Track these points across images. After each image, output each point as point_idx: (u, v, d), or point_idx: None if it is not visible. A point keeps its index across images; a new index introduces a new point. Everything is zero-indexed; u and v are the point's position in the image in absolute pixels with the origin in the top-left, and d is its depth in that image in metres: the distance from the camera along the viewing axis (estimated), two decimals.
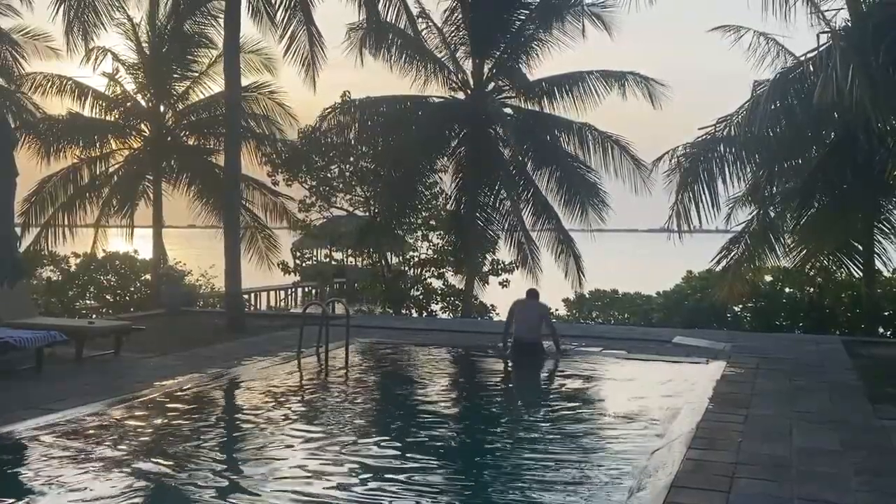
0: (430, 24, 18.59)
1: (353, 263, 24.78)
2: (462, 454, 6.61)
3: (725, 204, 14.53)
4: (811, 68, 12.16)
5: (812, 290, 15.99)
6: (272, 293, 33.27)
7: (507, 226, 18.42)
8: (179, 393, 8.09)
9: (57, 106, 19.23)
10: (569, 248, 18.17)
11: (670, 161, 14.36)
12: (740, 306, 16.45)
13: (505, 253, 19.38)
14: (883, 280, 15.44)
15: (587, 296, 18.30)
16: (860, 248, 14.36)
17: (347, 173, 20.83)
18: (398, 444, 6.63)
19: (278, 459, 6.10)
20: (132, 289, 18.70)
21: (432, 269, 20.98)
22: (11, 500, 5.01)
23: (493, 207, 18.45)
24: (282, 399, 8.13)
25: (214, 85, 19.47)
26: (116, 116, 19.64)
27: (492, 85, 18.81)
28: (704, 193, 13.61)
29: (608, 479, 5.62)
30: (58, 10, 14.72)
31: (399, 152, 18.50)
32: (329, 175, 20.89)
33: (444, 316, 20.28)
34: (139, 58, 19.24)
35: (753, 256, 14.49)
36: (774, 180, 14.25)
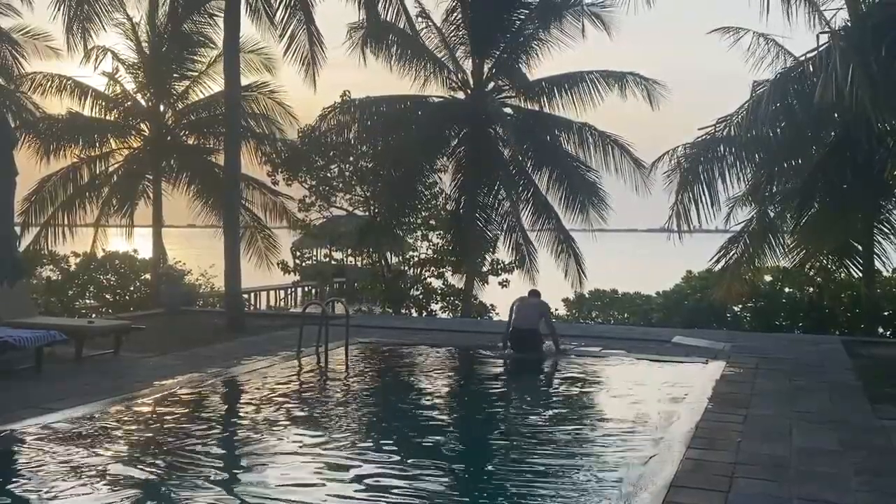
0: (429, 23, 18.59)
1: (353, 263, 24.76)
2: (462, 455, 6.60)
3: (725, 204, 14.55)
4: (811, 68, 12.17)
5: (812, 290, 16.01)
6: (272, 293, 33.27)
7: (506, 226, 18.42)
8: (179, 393, 8.10)
9: (57, 105, 19.26)
10: (569, 248, 18.17)
11: (670, 161, 14.37)
12: (740, 306, 16.45)
13: (505, 253, 19.40)
14: (882, 280, 15.44)
15: (587, 296, 18.30)
16: (860, 248, 14.36)
17: (347, 173, 20.83)
18: (397, 445, 6.62)
19: (278, 460, 6.10)
20: (132, 288, 18.69)
21: (432, 268, 20.98)
22: (11, 500, 5.01)
23: (493, 207, 18.44)
24: (281, 399, 8.11)
25: (214, 84, 19.49)
26: (116, 116, 19.63)
27: (492, 85, 18.80)
28: (704, 193, 13.61)
29: (607, 478, 5.62)
30: (58, 9, 14.77)
31: (399, 152, 18.50)
32: (329, 175, 20.89)
33: (444, 316, 20.28)
34: (139, 57, 19.23)
35: (753, 256, 14.49)
36: (774, 180, 14.26)
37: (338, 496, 5.26)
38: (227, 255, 13.12)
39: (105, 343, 10.10)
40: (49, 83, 18.99)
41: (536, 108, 18.48)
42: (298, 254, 23.97)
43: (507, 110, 18.64)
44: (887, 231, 14.38)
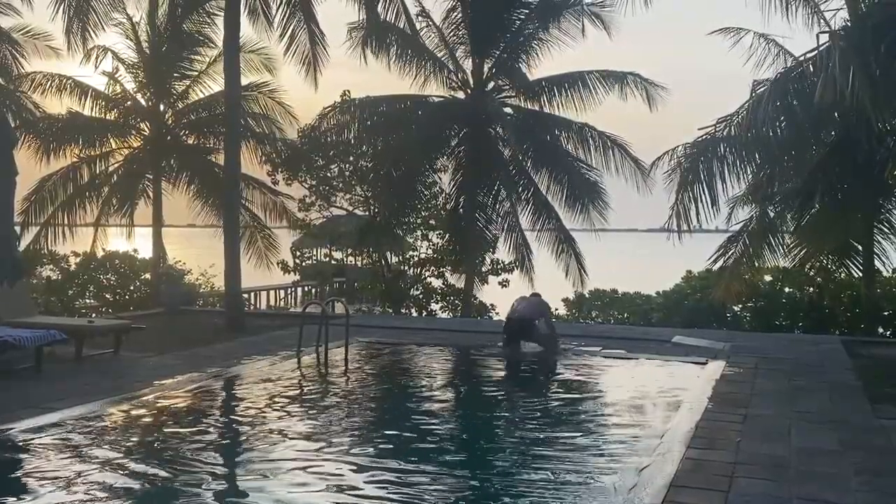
0: (429, 23, 18.59)
1: (353, 263, 24.75)
2: (461, 455, 6.61)
3: (725, 204, 14.55)
4: (811, 68, 12.17)
5: (812, 290, 16.00)
6: (272, 292, 33.26)
7: (506, 226, 18.42)
8: (179, 392, 8.09)
9: (57, 105, 19.26)
10: (570, 248, 18.18)
11: (670, 161, 14.37)
12: (739, 306, 16.45)
13: (504, 253, 19.41)
14: (883, 280, 15.44)
15: (587, 295, 18.31)
16: (860, 248, 14.36)
17: (347, 173, 20.82)
18: (397, 446, 6.62)
19: (277, 460, 6.09)
20: (132, 288, 18.68)
21: (432, 268, 20.98)
22: (11, 500, 5.01)
23: (493, 207, 18.44)
24: (281, 399, 8.11)
25: (214, 84, 19.50)
26: (116, 115, 19.63)
27: (491, 84, 18.80)
28: (704, 193, 13.59)
29: (607, 478, 5.61)
30: (58, 9, 14.76)
31: (399, 152, 18.50)
32: (329, 174, 20.88)
33: (444, 315, 20.28)
34: (139, 57, 19.25)
35: (752, 256, 14.49)
36: (774, 180, 14.25)
37: (338, 496, 5.26)
38: (226, 255, 13.12)
39: (105, 343, 10.10)
40: (49, 83, 19.00)
41: (536, 108, 18.48)
42: (298, 253, 23.95)
43: (507, 110, 18.63)
44: (887, 231, 14.38)
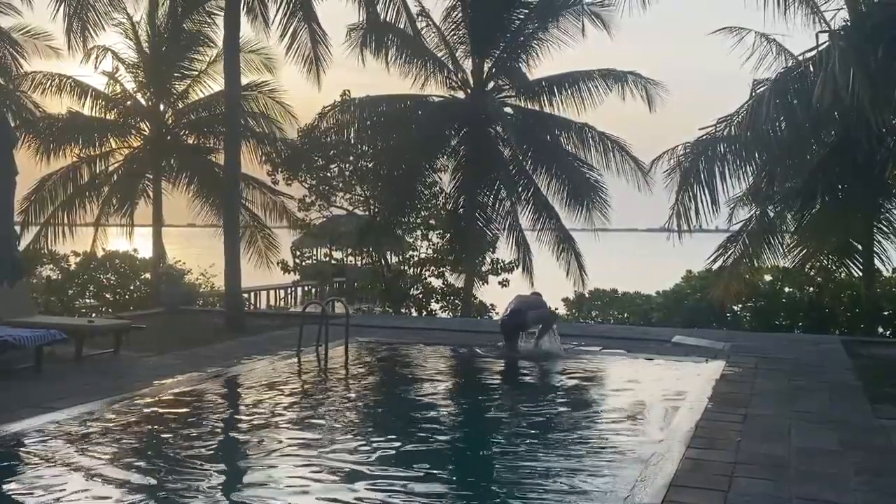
0: (429, 22, 18.57)
1: (353, 263, 24.73)
2: (461, 456, 6.61)
3: (725, 204, 14.55)
4: (811, 68, 12.17)
5: (812, 289, 16.00)
6: (272, 292, 33.25)
7: (506, 225, 18.42)
8: (179, 392, 8.09)
9: (57, 105, 19.28)
10: (570, 248, 18.18)
11: (670, 161, 14.37)
12: (739, 306, 16.45)
13: (505, 252, 19.42)
14: (883, 280, 15.44)
15: (587, 295, 18.31)
16: (860, 247, 14.37)
17: (347, 172, 20.81)
18: (397, 446, 6.61)
19: (277, 460, 6.10)
20: (132, 288, 18.69)
21: (432, 268, 20.97)
22: (10, 500, 5.01)
23: (493, 207, 18.44)
24: (281, 399, 8.12)
25: (214, 84, 19.51)
26: (116, 115, 19.64)
27: (492, 84, 18.79)
28: (704, 193, 13.60)
29: (607, 478, 5.62)
30: (58, 9, 14.76)
31: (399, 152, 18.50)
32: (329, 174, 20.86)
33: (444, 315, 20.27)
34: (139, 57, 19.25)
35: (752, 256, 14.49)
36: (775, 180, 14.26)
37: (337, 496, 5.25)
38: (226, 255, 13.12)
39: (105, 342, 10.10)
40: (49, 82, 19.01)
41: (536, 108, 18.48)
42: (298, 253, 23.95)
43: (508, 110, 18.63)
44: (887, 231, 14.39)
